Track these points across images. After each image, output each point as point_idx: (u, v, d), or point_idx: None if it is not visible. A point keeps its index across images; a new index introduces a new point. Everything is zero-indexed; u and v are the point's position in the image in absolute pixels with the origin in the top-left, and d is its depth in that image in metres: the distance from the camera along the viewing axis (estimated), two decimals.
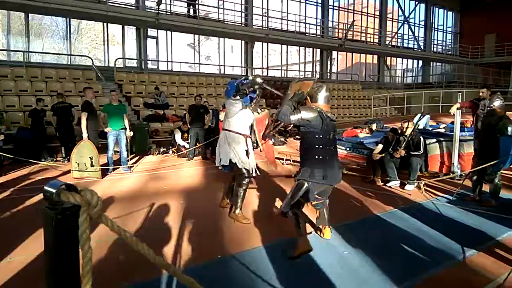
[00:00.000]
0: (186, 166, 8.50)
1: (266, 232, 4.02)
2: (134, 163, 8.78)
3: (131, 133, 7.77)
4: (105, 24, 15.62)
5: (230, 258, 3.38)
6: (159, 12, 14.72)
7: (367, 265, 3.18)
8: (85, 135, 6.90)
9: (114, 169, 7.57)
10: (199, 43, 20.09)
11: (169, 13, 15.95)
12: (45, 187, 0.77)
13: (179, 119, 12.33)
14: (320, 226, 3.89)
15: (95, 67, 13.68)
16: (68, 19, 15.25)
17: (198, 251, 3.56)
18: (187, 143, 9.64)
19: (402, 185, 6.13)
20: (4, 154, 7.50)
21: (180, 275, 0.95)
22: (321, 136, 3.40)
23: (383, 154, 6.40)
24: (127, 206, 5.05)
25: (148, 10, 15.41)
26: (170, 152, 10.20)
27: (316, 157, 3.39)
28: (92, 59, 14.50)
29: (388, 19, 24.90)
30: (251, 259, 3.34)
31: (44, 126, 8.95)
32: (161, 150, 10.53)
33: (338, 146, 8.30)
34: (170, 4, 16.31)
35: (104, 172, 7.14)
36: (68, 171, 7.29)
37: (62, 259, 0.76)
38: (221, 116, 7.81)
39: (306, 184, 3.41)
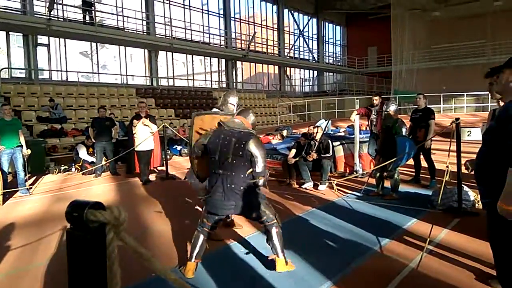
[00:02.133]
0: (95, 184, 7.90)
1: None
2: (32, 183, 7.85)
3: (29, 151, 6.96)
4: None
5: (158, 278, 3.24)
6: (51, 18, 13.46)
7: (299, 264, 3.34)
8: None
9: (12, 193, 6.68)
10: (96, 51, 18.88)
11: (61, 19, 14.67)
12: (71, 207, 0.70)
13: (80, 133, 11.41)
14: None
15: None
16: None
17: (126, 272, 3.34)
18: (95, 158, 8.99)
19: (316, 186, 6.58)
20: None
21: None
22: (211, 158, 3.16)
23: (297, 158, 6.80)
24: (35, 232, 4.51)
25: (38, 15, 13.96)
26: (73, 169, 9.36)
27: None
28: None
29: (285, 32, 26.49)
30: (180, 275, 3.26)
31: None
32: (62, 168, 9.61)
33: None
34: (63, 10, 15.04)
35: (3, 197, 6.25)
36: None
37: (89, 281, 0.70)
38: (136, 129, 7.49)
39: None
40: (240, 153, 3.04)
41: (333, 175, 7.19)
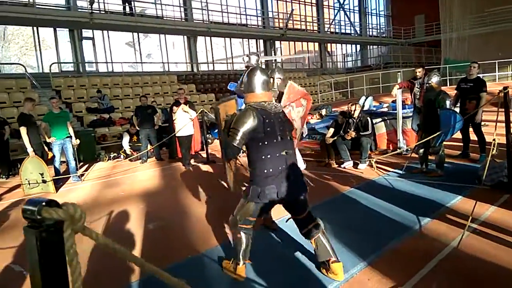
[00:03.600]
0: (140, 170, 8.26)
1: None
2: (84, 171, 8.37)
3: (77, 141, 7.38)
4: (35, 28, 14.57)
5: (200, 256, 3.36)
6: (93, 11, 13.99)
7: (334, 244, 3.29)
8: (29, 149, 6.43)
9: (64, 181, 7.17)
10: (139, 41, 19.42)
11: (103, 12, 15.20)
12: (24, 206, 0.72)
13: (126, 122, 11.90)
14: (325, 261, 2.81)
15: (29, 74, 12.76)
16: None
17: (165, 253, 3.49)
18: (130, 145, 9.43)
19: (355, 165, 6.41)
20: None
21: (170, 279, 0.94)
22: (265, 142, 2.68)
23: (335, 137, 6.64)
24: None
25: (81, 10, 14.58)
26: (121, 156, 9.83)
27: (266, 170, 2.68)
28: (24, 66, 13.51)
29: (324, 6, 25.62)
30: (220, 254, 3.34)
31: None
32: (112, 155, 10.13)
33: None
34: (104, 3, 15.55)
35: (57, 184, 6.74)
36: (15, 187, 6.84)
37: (50, 277, 0.72)
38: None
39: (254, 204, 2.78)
40: (289, 128, 2.88)
41: (373, 153, 6.95)
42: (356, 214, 4.14)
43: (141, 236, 3.98)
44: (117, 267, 3.12)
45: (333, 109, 10.40)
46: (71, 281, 0.75)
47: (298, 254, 3.23)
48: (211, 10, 19.23)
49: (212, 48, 20.49)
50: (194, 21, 18.38)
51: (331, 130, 6.88)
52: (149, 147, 9.01)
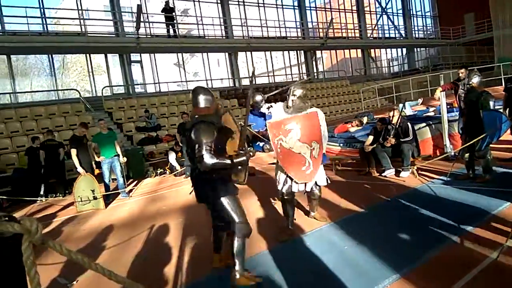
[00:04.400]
0: (184, 184, 8.52)
1: (268, 237, 4.04)
2: (133, 188, 8.80)
3: (125, 159, 7.80)
4: (87, 55, 15.75)
5: (231, 268, 3.39)
6: (139, 36, 14.84)
7: (367, 257, 3.20)
8: (80, 169, 6.93)
9: (114, 197, 7.59)
10: (183, 61, 20.23)
11: (149, 36, 16.08)
12: None
13: (172, 139, 12.37)
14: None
15: (83, 99, 13.75)
16: (50, 55, 15.37)
17: (200, 265, 3.57)
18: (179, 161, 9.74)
19: (397, 173, 6.17)
20: (2, 197, 7.52)
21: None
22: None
23: (375, 145, 6.45)
24: (128, 232, 5.07)
25: (128, 36, 15.55)
26: (167, 172, 10.22)
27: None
28: (79, 91, 14.60)
29: (366, 12, 25.16)
30: (254, 265, 3.36)
31: (41, 164, 8.93)
32: (159, 171, 10.56)
33: (330, 143, 8.39)
34: (149, 27, 16.45)
35: (107, 201, 7.16)
36: (69, 205, 7.33)
37: (9, 286, 0.79)
38: None
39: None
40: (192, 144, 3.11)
41: (417, 160, 6.64)
42: (395, 224, 3.98)
43: (178, 248, 4.11)
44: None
45: (375, 116, 10.11)
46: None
47: (328, 267, 3.17)
48: (251, 26, 19.63)
49: (253, 63, 20.83)
50: (235, 37, 18.85)
51: (370, 137, 6.70)
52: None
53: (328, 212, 4.66)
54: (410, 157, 6.19)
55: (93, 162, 7.58)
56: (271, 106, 4.44)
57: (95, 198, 6.81)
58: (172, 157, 9.97)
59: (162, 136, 12.81)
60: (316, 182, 4.08)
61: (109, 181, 7.55)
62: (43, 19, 14.30)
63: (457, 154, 6.45)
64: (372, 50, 25.92)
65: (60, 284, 3.29)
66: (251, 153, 3.06)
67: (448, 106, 7.99)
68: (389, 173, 6.23)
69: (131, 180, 9.86)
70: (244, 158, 2.97)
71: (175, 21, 17.11)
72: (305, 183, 3.99)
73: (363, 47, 24.68)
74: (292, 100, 3.90)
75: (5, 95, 13.79)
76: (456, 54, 24.63)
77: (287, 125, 3.81)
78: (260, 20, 20.48)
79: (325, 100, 19.30)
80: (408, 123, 6.30)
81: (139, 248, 4.33)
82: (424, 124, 7.51)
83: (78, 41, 13.84)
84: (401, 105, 6.97)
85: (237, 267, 2.97)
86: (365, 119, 9.14)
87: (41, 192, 8.43)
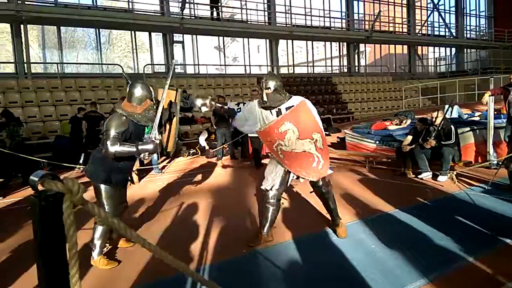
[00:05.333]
0: (216, 166, 8.63)
1: (294, 226, 4.02)
2: (166, 164, 9.02)
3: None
4: (133, 32, 16.12)
5: (255, 253, 3.41)
6: (183, 17, 14.98)
7: (395, 258, 3.12)
8: None
9: (147, 172, 7.81)
10: (224, 45, 20.29)
11: (193, 17, 16.21)
12: (30, 177, 0.82)
13: (207, 121, 12.52)
14: None
15: (125, 74, 14.08)
16: (98, 30, 15.85)
17: (224, 247, 3.62)
18: (207, 143, 9.87)
19: (435, 177, 5.93)
20: (43, 160, 7.90)
21: (193, 273, 0.99)
22: None
23: (413, 146, 6.22)
24: (158, 206, 5.21)
25: (173, 15, 15.74)
26: (199, 153, 10.38)
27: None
28: (122, 67, 14.95)
29: (416, 7, 24.11)
30: (276, 254, 3.36)
31: (83, 133, 9.30)
32: (191, 151, 10.74)
33: (366, 139, 8.18)
34: (194, 8, 16.57)
35: (139, 175, 7.37)
36: None
37: (48, 242, 0.81)
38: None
39: None
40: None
41: (457, 165, 6.36)
42: (427, 228, 3.83)
43: (204, 227, 4.18)
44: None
45: (416, 116, 9.74)
46: (68, 248, 0.84)
47: (353, 264, 3.11)
48: (294, 14, 19.33)
49: (293, 51, 20.57)
50: (277, 24, 18.65)
51: (409, 137, 6.46)
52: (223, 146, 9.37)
53: (357, 208, 4.57)
54: (450, 161, 5.92)
55: None
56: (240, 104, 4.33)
57: None
58: (202, 137, 10.12)
59: (197, 117, 12.99)
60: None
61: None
62: None
63: (500, 163, 6.11)
64: (419, 47, 24.90)
65: (91, 248, 3.41)
66: (157, 141, 3.34)
67: (495, 112, 7.59)
68: (426, 176, 6.00)
69: (163, 157, 10.08)
70: (151, 146, 3.24)
71: (219, 4, 17.12)
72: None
73: (410, 44, 23.75)
74: (267, 94, 3.49)
75: (52, 65, 14.42)
76: (509, 58, 23.20)
77: (280, 127, 3.41)
78: (305, 8, 20.09)
79: (364, 95, 18.83)
80: (452, 126, 6.01)
81: (168, 223, 4.44)
82: (468, 129, 7.18)
83: (124, 17, 14.16)
84: (447, 106, 6.65)
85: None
86: (408, 121, 8.80)
87: (80, 161, 8.78)
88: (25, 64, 13.06)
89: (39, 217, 0.79)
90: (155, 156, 7.80)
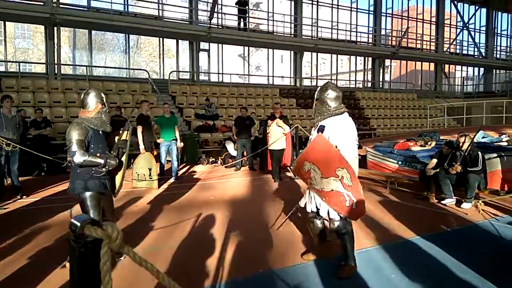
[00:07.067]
0: (233, 177, 8.65)
1: (313, 248, 3.96)
2: (185, 172, 9.09)
3: (182, 144, 8.07)
4: (160, 38, 16.45)
5: (271, 273, 3.37)
6: (211, 26, 15.21)
7: None
8: (142, 147, 7.29)
9: (166, 179, 7.89)
10: (248, 54, 20.45)
11: (220, 27, 16.42)
12: (72, 220, 0.84)
13: (228, 129, 12.60)
14: None
15: (151, 80, 14.40)
16: (127, 34, 16.26)
17: (240, 264, 3.59)
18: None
19: (458, 203, 5.76)
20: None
21: None
22: None
23: (438, 170, 6.07)
24: (175, 216, 5.24)
25: (201, 24, 15.99)
26: (218, 162, 10.43)
27: None
28: (148, 72, 15.30)
29: (445, 25, 23.76)
30: (292, 276, 3.31)
31: None
32: (210, 160, 10.82)
33: (388, 159, 8.04)
34: (222, 18, 16.80)
35: (159, 182, 7.46)
36: (126, 179, 7.75)
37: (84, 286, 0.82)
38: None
39: None
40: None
41: (483, 193, 6.16)
42: (449, 258, 3.70)
43: (221, 242, 4.16)
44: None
45: (441, 137, 9.51)
46: None
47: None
48: (320, 27, 19.34)
49: (317, 64, 20.54)
50: (303, 37, 18.69)
51: (434, 161, 6.31)
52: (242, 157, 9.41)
53: (377, 232, 4.47)
54: (475, 188, 5.73)
55: (153, 142, 7.94)
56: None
57: (150, 177, 7.11)
58: (230, 146, 10.18)
59: (219, 126, 13.08)
60: (328, 213, 3.29)
61: (165, 162, 7.88)
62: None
63: None
64: (446, 66, 24.47)
65: None
66: (117, 159, 3.44)
67: None
68: (449, 202, 5.83)
69: (183, 164, 10.18)
70: (114, 162, 3.36)
71: (247, 15, 17.31)
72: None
73: (437, 61, 23.38)
74: (315, 105, 3.41)
75: (81, 67, 14.84)
76: None
77: (303, 167, 3.27)
78: (332, 21, 20.08)
79: (388, 111, 18.60)
80: (479, 152, 5.84)
81: (185, 235, 4.45)
82: (495, 155, 6.93)
83: (154, 24, 14.48)
84: (477, 134, 6.47)
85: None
86: (433, 143, 8.60)
87: None
88: (56, 66, 13.49)
89: (77, 262, 0.80)
90: (175, 163, 7.90)
